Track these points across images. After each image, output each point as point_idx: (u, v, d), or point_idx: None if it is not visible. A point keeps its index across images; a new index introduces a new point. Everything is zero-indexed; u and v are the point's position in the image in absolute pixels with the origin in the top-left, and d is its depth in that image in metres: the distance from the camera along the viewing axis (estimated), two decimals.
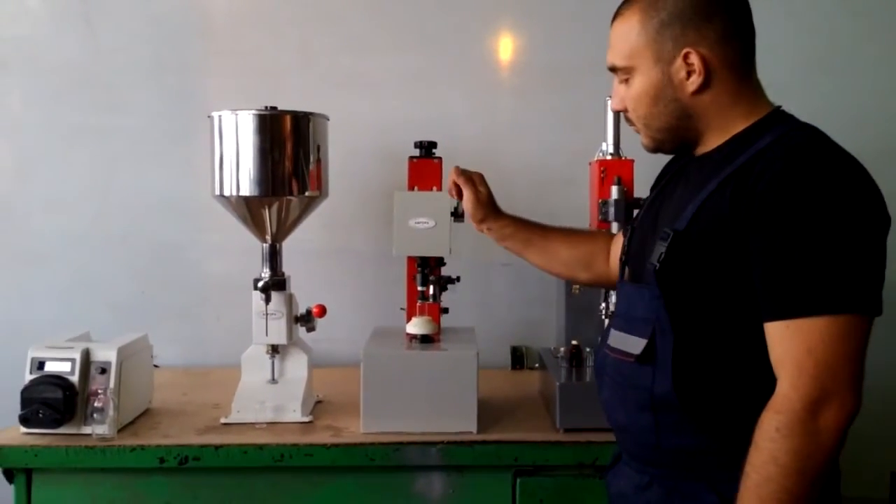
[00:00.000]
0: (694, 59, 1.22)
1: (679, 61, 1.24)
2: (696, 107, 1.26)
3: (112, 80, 2.49)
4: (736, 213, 1.16)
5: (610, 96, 1.95)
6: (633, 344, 1.27)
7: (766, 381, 1.14)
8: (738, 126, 1.26)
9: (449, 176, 1.72)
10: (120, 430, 1.79)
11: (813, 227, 1.10)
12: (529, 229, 1.72)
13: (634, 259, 1.38)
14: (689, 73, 1.24)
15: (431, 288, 1.95)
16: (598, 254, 1.69)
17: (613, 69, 1.33)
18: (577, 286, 2.00)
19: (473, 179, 1.70)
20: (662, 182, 1.45)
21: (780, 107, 1.29)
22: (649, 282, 1.24)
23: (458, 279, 2.00)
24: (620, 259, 1.44)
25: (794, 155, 1.14)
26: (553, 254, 1.72)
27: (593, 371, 1.88)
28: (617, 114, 1.95)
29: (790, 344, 1.10)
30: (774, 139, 1.19)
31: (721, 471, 1.20)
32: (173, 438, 1.77)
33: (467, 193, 1.69)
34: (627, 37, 1.28)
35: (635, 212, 1.91)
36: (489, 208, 1.71)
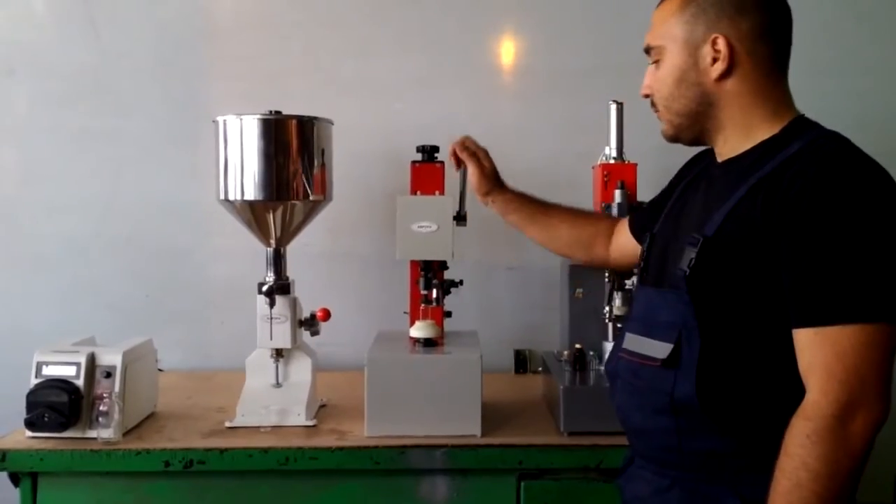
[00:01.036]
0: (721, 44, 1.25)
1: (707, 46, 1.26)
2: (718, 95, 1.28)
3: (117, 85, 2.50)
4: (767, 220, 1.16)
5: (614, 100, 1.98)
6: (657, 348, 1.27)
7: (789, 386, 1.16)
8: (761, 128, 1.27)
9: (450, 145, 1.74)
10: (125, 434, 1.80)
11: (845, 235, 1.11)
12: (533, 205, 1.77)
13: (656, 264, 1.39)
14: (714, 60, 1.26)
15: (434, 291, 1.96)
16: (599, 236, 1.71)
17: (648, 50, 1.35)
18: (580, 290, 2.00)
19: (478, 154, 1.73)
20: (681, 186, 1.45)
21: (803, 115, 1.30)
22: (676, 287, 1.25)
23: (460, 282, 2.01)
24: (638, 265, 1.45)
25: (826, 162, 1.16)
26: (554, 231, 1.76)
27: (603, 374, 1.89)
28: (620, 117, 1.97)
29: (820, 351, 1.11)
30: (804, 146, 1.20)
31: (743, 474, 1.21)
32: (178, 442, 1.77)
33: (472, 167, 1.73)
34: (665, 18, 1.31)
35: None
36: (494, 181, 1.77)
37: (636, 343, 1.33)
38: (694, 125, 1.32)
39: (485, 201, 1.78)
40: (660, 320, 1.29)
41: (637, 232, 1.63)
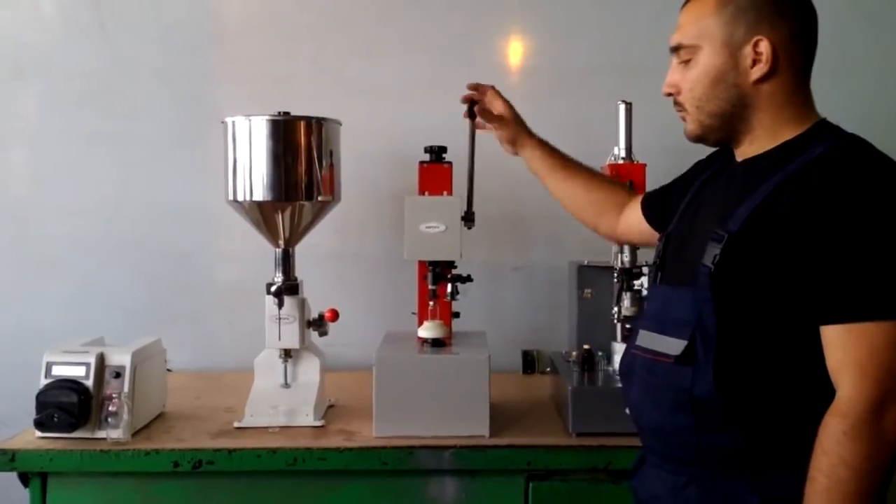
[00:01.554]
0: (764, 47, 1.25)
1: (748, 48, 1.26)
2: (754, 96, 1.28)
3: (126, 87, 2.51)
4: (794, 217, 1.16)
5: (622, 100, 1.98)
6: (671, 345, 1.27)
7: (808, 382, 1.17)
8: (787, 130, 1.28)
9: (466, 94, 1.79)
10: (134, 434, 1.80)
11: (875, 233, 1.12)
12: (556, 157, 1.80)
13: (673, 262, 1.39)
14: (754, 62, 1.26)
15: (448, 287, 1.95)
16: (612, 206, 1.72)
17: (677, 49, 1.34)
18: (589, 290, 2.00)
19: (494, 112, 1.80)
20: (696, 185, 1.45)
21: (825, 118, 1.31)
22: (694, 283, 1.24)
23: (469, 277, 2.00)
24: (654, 263, 1.45)
25: (854, 163, 1.17)
26: (571, 189, 1.77)
27: (612, 375, 1.89)
28: (629, 117, 1.96)
29: (852, 348, 1.12)
30: (830, 147, 1.21)
31: (762, 471, 1.20)
32: (187, 442, 1.78)
33: (494, 123, 1.78)
34: (700, 17, 1.30)
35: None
36: (518, 128, 1.80)
37: (650, 340, 1.32)
38: (724, 126, 1.32)
39: (511, 150, 1.80)
40: (673, 317, 1.29)
41: (649, 212, 1.62)
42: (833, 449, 1.10)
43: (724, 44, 1.27)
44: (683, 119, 1.36)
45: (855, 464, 1.09)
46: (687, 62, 1.32)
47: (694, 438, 1.25)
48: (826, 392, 1.14)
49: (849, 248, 1.13)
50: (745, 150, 1.33)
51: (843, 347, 1.13)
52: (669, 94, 1.36)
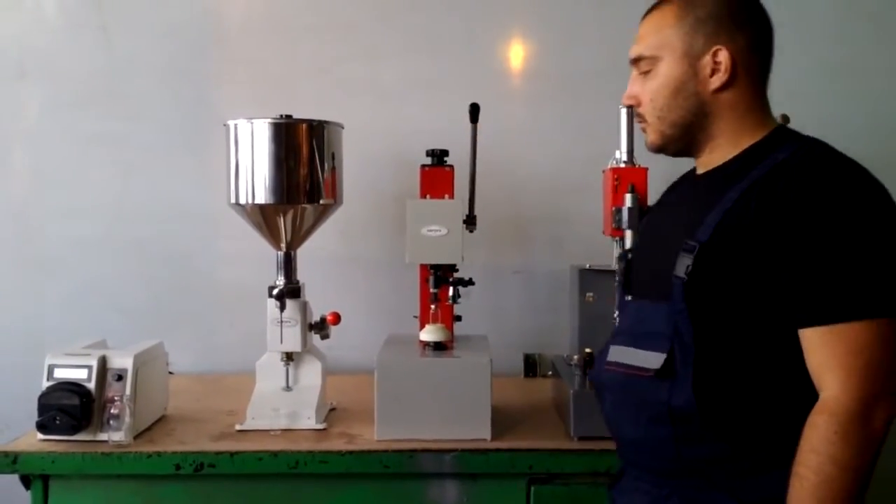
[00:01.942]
0: (723, 56, 1.27)
1: (707, 57, 1.28)
2: (714, 105, 1.30)
3: (128, 89, 2.51)
4: (763, 224, 1.17)
5: (622, 105, 1.98)
6: (649, 359, 1.26)
7: (786, 387, 1.18)
8: (747, 138, 1.30)
9: None
10: (136, 437, 1.80)
11: (846, 233, 1.14)
12: None
13: (643, 276, 1.40)
14: (713, 71, 1.28)
15: (450, 290, 1.95)
16: None
17: (637, 60, 1.35)
18: (591, 294, 1.99)
19: None
20: (652, 205, 1.47)
21: (782, 124, 1.33)
22: (670, 296, 1.24)
23: (470, 280, 2.00)
24: (619, 281, 1.47)
25: (820, 166, 1.19)
26: None
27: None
28: (630, 120, 1.96)
29: (835, 348, 1.13)
30: (793, 152, 1.22)
31: (742, 479, 1.20)
32: (189, 445, 1.78)
33: None
34: (660, 28, 1.31)
35: None
36: None
37: (623, 354, 1.32)
38: (685, 135, 1.33)
39: None
40: (649, 331, 1.29)
41: None
42: (823, 447, 1.11)
43: (684, 54, 1.29)
44: (644, 130, 1.37)
45: (844, 462, 1.10)
46: (647, 73, 1.33)
47: (674, 450, 1.25)
48: (805, 395, 1.15)
49: (822, 250, 1.14)
50: (707, 160, 1.34)
51: (824, 349, 1.14)
52: (630, 106, 1.38)
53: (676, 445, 1.24)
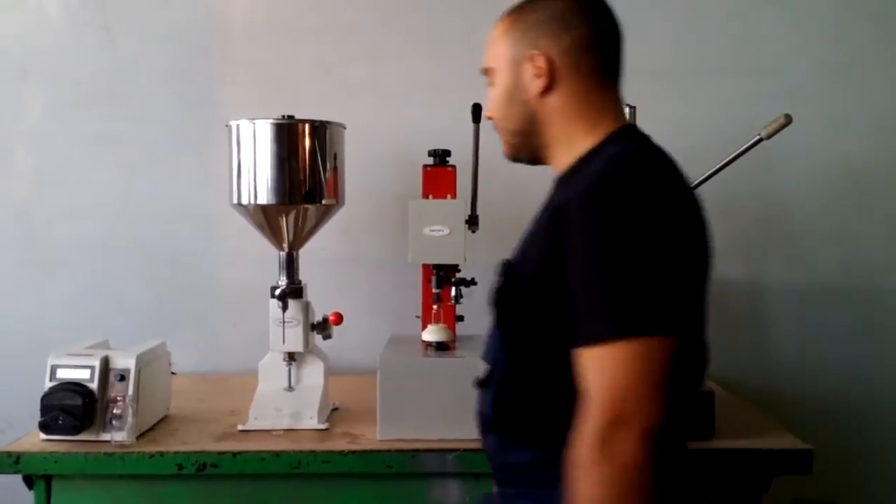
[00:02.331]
0: (540, 61, 1.25)
1: (527, 63, 1.27)
2: (542, 112, 1.28)
3: (131, 90, 2.52)
4: (550, 240, 1.15)
5: (626, 104, 1.97)
6: (482, 371, 1.34)
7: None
8: (580, 143, 1.26)
9: None
10: (139, 437, 1.80)
11: (606, 253, 1.06)
12: None
13: None
14: (536, 77, 1.27)
15: (453, 290, 1.95)
16: None
17: (485, 73, 1.38)
18: None
19: None
20: None
21: (630, 124, 1.29)
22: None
23: (473, 280, 2.00)
24: None
25: (598, 179, 1.12)
26: None
27: None
28: (632, 120, 1.96)
29: (589, 372, 1.07)
30: (603, 162, 1.17)
31: (548, 488, 1.19)
32: (191, 445, 1.78)
33: None
34: (496, 40, 1.34)
35: None
36: None
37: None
38: (526, 144, 1.33)
39: None
40: (488, 345, 1.35)
41: None
42: (572, 482, 1.05)
43: (511, 62, 1.29)
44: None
45: (591, 493, 1.02)
46: (491, 85, 1.35)
47: (501, 457, 1.29)
48: None
49: (588, 266, 1.08)
50: (554, 168, 1.32)
51: (582, 371, 1.08)
52: (490, 118, 1.39)
53: (502, 453, 1.29)
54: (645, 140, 1.24)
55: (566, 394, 1.14)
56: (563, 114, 1.27)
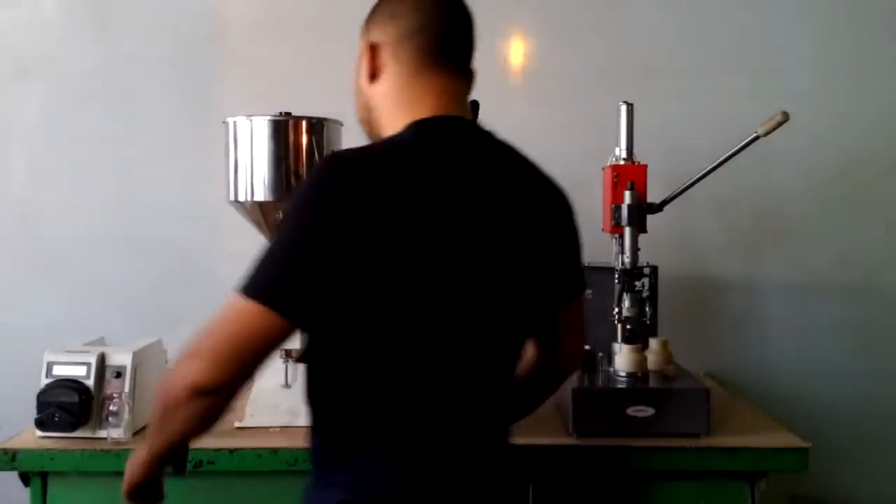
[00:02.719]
0: (368, 50, 1.29)
1: (365, 53, 1.31)
2: (373, 100, 1.32)
3: (128, 87, 2.52)
4: None
5: (623, 101, 1.98)
6: None
7: (352, 380, 1.22)
8: (391, 132, 1.27)
9: None
10: (135, 434, 1.80)
11: (281, 225, 1.18)
12: None
13: None
14: (367, 65, 1.30)
15: None
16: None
17: None
18: (590, 291, 1.99)
19: None
20: None
21: (445, 115, 1.29)
22: None
23: None
24: None
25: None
26: None
27: (618, 373, 1.88)
28: (630, 118, 1.96)
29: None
30: None
31: (336, 468, 1.26)
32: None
33: None
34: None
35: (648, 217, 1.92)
36: None
37: None
38: (370, 131, 1.35)
39: None
40: None
41: None
42: None
43: (358, 53, 1.34)
44: None
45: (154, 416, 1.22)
46: None
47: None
48: (376, 388, 1.20)
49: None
50: None
51: None
52: None
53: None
54: (429, 132, 1.24)
55: (335, 382, 1.23)
56: (387, 101, 1.29)
